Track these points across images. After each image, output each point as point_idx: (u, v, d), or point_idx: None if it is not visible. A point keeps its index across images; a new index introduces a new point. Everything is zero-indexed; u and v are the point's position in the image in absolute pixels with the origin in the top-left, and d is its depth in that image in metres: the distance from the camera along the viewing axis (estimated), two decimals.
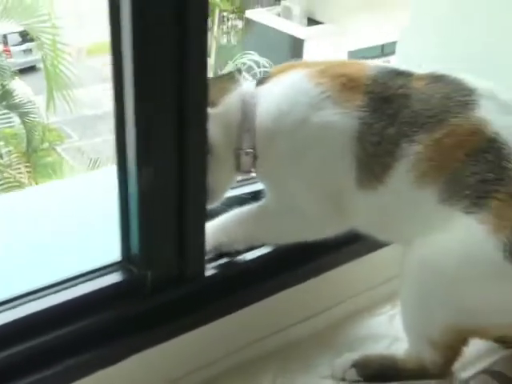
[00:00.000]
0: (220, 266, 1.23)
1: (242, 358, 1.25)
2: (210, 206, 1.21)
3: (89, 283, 1.10)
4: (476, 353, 1.29)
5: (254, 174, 1.26)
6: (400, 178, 1.11)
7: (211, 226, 1.22)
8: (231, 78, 1.21)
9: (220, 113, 1.17)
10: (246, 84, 1.21)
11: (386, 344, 1.32)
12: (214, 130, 1.15)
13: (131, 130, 1.02)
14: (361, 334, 1.35)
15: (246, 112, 1.17)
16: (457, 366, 1.23)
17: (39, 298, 1.07)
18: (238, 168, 1.21)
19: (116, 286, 1.11)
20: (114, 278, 1.12)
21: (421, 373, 1.21)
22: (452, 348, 1.19)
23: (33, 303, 1.06)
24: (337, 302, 1.39)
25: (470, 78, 1.15)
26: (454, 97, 1.12)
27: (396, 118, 1.12)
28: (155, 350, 1.13)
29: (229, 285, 1.22)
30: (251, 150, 1.18)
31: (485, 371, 1.24)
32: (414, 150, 1.10)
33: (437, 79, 1.15)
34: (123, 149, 1.05)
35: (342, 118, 1.13)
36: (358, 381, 1.23)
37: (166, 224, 1.11)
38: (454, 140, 1.09)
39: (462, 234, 1.09)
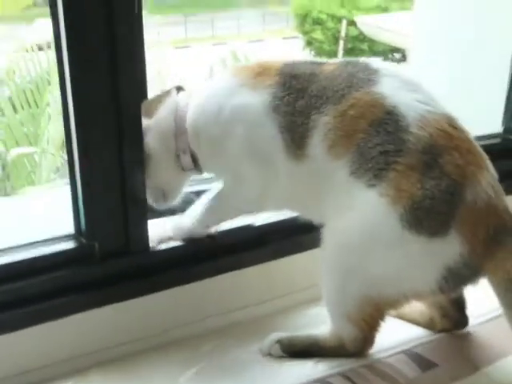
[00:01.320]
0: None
1: (181, 334, 1.40)
2: (167, 206, 1.40)
3: (47, 247, 1.31)
4: (401, 337, 1.37)
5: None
6: (316, 148, 1.22)
7: (179, 220, 1.40)
8: (168, 93, 1.37)
9: (154, 123, 1.33)
10: (181, 95, 1.37)
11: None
12: (151, 139, 1.33)
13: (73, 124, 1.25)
14: (301, 322, 1.45)
15: (179, 119, 1.33)
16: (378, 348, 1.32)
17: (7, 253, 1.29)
18: (183, 168, 1.37)
19: (69, 252, 1.31)
20: (67, 245, 1.33)
21: (341, 351, 1.30)
22: (369, 324, 1.27)
23: (2, 257, 1.28)
24: (281, 294, 1.51)
25: (377, 62, 1.25)
26: (358, 75, 1.22)
27: (305, 92, 1.23)
28: (97, 313, 1.31)
29: (173, 260, 1.39)
30: (187, 148, 1.33)
31: (403, 351, 1.32)
32: (323, 121, 1.21)
33: (346, 63, 1.25)
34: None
35: (254, 96, 1.26)
36: (283, 356, 1.33)
37: (107, 203, 1.30)
38: (357, 111, 1.19)
39: (364, 208, 1.19)
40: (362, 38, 10.33)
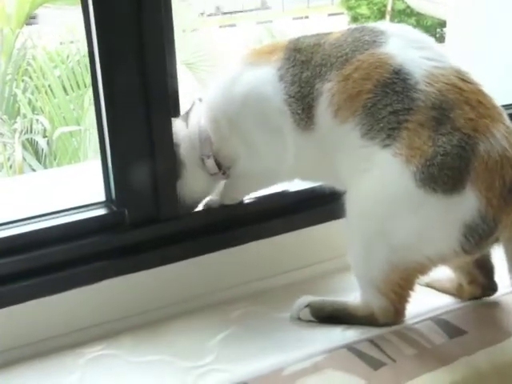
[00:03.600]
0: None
1: (211, 300, 1.42)
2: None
3: (79, 214, 1.35)
4: (429, 305, 1.36)
5: None
6: (323, 115, 1.22)
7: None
8: (192, 105, 1.40)
9: (187, 134, 1.37)
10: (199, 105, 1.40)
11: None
12: (182, 151, 1.36)
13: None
14: (332, 289, 1.45)
15: (202, 125, 1.36)
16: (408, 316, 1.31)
17: (44, 220, 1.33)
18: (210, 173, 1.39)
19: (100, 219, 1.35)
20: (98, 212, 1.36)
21: (371, 321, 1.30)
22: (398, 293, 1.26)
23: (38, 223, 1.32)
24: (313, 261, 1.51)
25: (383, 24, 1.24)
26: (363, 38, 1.22)
27: (310, 63, 1.24)
28: (127, 279, 1.34)
29: (203, 227, 1.41)
30: (210, 153, 1.36)
31: (431, 318, 1.31)
32: (327, 88, 1.21)
33: (353, 30, 1.25)
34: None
35: (260, 72, 1.28)
36: (312, 321, 1.34)
37: (137, 170, 1.32)
38: (361, 73, 1.19)
39: (380, 170, 1.19)
40: (409, 11, 10.16)
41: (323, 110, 1.22)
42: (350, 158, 1.23)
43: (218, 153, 1.37)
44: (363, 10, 10.89)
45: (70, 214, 1.35)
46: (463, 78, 1.19)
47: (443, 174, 1.14)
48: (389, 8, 10.63)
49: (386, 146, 1.17)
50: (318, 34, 1.29)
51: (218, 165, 1.38)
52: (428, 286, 1.42)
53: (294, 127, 1.26)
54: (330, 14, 10.93)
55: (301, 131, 1.25)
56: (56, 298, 1.29)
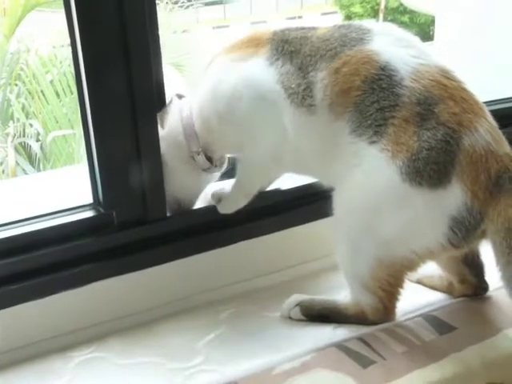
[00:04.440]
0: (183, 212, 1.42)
1: (201, 301, 1.41)
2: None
3: (66, 217, 1.35)
4: (420, 302, 1.36)
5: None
6: (320, 105, 1.22)
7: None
8: (170, 102, 1.38)
9: (165, 133, 1.35)
10: (183, 99, 1.38)
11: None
12: (165, 148, 1.35)
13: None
14: (322, 288, 1.44)
15: (185, 121, 1.35)
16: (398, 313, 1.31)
17: (32, 223, 1.33)
18: (202, 169, 1.38)
19: (87, 221, 1.34)
20: (85, 214, 1.35)
21: (361, 319, 1.30)
22: (387, 291, 1.26)
23: (25, 226, 1.31)
24: (302, 260, 1.51)
25: (369, 22, 1.25)
26: (350, 35, 1.23)
27: (299, 53, 1.24)
28: (115, 281, 1.34)
29: (191, 228, 1.40)
30: (199, 149, 1.35)
31: (421, 315, 1.31)
32: (320, 77, 1.21)
33: (339, 26, 1.26)
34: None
35: (247, 64, 1.28)
36: (302, 320, 1.34)
37: (123, 172, 1.31)
38: (350, 69, 1.19)
39: (367, 165, 1.19)
40: (402, 9, 10.17)
41: (320, 99, 1.22)
42: (339, 153, 1.23)
43: (206, 147, 1.36)
44: (356, 8, 10.90)
45: (58, 217, 1.34)
46: (447, 76, 1.20)
47: (429, 169, 1.14)
48: (382, 6, 10.65)
49: (373, 142, 1.18)
50: (303, 28, 1.29)
51: (209, 159, 1.37)
52: (418, 282, 1.42)
53: (289, 103, 1.25)
54: (323, 13, 10.93)
55: (296, 107, 1.24)
56: (44, 301, 1.29)
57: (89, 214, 1.36)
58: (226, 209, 1.40)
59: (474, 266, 1.35)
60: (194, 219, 1.42)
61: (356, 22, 1.26)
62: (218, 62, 1.34)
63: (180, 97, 1.39)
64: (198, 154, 1.36)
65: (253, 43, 1.30)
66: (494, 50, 2.03)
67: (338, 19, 10.35)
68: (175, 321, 1.37)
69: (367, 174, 1.20)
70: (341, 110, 1.21)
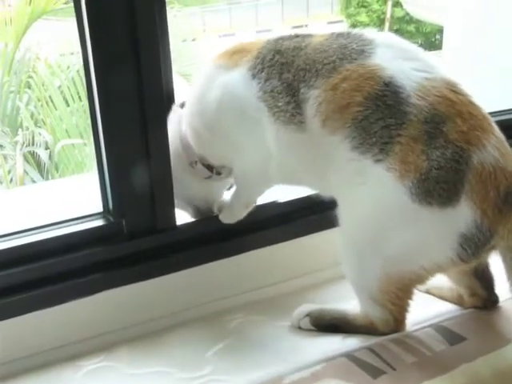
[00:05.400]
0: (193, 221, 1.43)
1: (209, 311, 1.41)
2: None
3: (76, 226, 1.35)
4: (430, 312, 1.36)
5: None
6: (311, 121, 1.19)
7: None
8: (173, 111, 1.36)
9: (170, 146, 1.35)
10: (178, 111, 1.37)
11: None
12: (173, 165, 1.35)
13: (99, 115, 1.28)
14: (331, 297, 1.44)
15: (182, 132, 1.35)
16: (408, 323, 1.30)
17: (41, 232, 1.33)
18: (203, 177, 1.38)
19: (97, 230, 1.35)
20: (95, 223, 1.36)
21: (371, 330, 1.29)
22: (396, 304, 1.26)
23: (35, 235, 1.32)
24: (310, 270, 1.51)
25: (370, 32, 1.21)
26: (350, 46, 1.18)
27: (291, 65, 1.21)
28: (125, 290, 1.34)
29: (200, 238, 1.41)
30: (196, 159, 1.35)
31: (431, 325, 1.30)
32: (313, 95, 1.18)
33: (337, 35, 1.22)
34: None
35: (231, 75, 1.26)
36: (312, 330, 1.34)
37: (133, 181, 1.31)
38: (351, 84, 1.16)
39: (374, 184, 1.17)
40: (408, 19, 10.19)
41: (311, 116, 1.20)
42: (339, 168, 1.21)
43: (203, 157, 1.36)
44: (362, 17, 10.94)
45: (68, 226, 1.35)
46: (453, 90, 1.17)
47: (438, 188, 1.13)
48: (388, 15, 10.67)
49: (378, 160, 1.15)
50: (297, 36, 1.25)
51: (209, 167, 1.37)
52: (428, 292, 1.41)
53: (273, 121, 1.23)
54: (329, 22, 10.96)
55: (282, 125, 1.22)
56: (54, 310, 1.29)
57: (98, 222, 1.36)
58: (227, 219, 1.39)
59: (484, 279, 1.34)
60: (204, 228, 1.42)
61: (356, 30, 1.22)
62: (204, 71, 1.33)
63: (182, 105, 1.38)
64: (196, 164, 1.36)
65: (241, 50, 1.28)
66: (503, 58, 2.03)
67: (343, 28, 10.37)
68: (184, 330, 1.37)
69: (374, 192, 1.18)
70: (337, 126, 1.18)
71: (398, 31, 10.57)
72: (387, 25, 10.60)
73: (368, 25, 10.65)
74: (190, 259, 1.40)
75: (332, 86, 1.17)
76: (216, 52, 1.34)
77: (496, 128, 1.19)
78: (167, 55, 1.34)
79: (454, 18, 2.37)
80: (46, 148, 4.89)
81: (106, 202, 1.36)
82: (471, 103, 1.18)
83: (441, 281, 1.37)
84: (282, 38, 1.26)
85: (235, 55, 1.29)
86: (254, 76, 1.24)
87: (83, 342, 1.32)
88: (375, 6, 10.95)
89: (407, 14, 9.96)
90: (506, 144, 1.19)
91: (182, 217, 1.42)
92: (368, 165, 1.17)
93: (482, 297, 1.35)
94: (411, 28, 10.39)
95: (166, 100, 1.34)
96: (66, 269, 1.31)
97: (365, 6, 10.97)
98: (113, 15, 1.22)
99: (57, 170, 4.82)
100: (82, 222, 1.35)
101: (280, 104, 1.21)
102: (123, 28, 1.23)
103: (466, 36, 2.23)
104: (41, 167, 4.85)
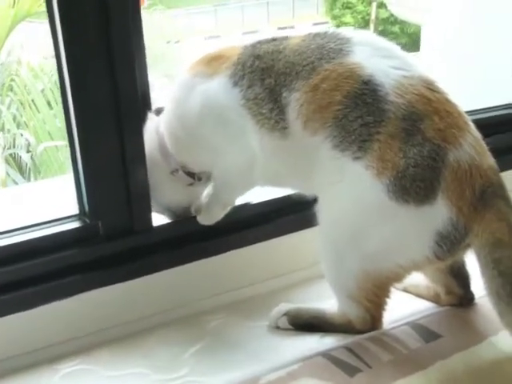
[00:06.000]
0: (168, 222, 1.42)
1: (187, 312, 1.41)
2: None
3: (52, 228, 1.34)
4: (407, 310, 1.36)
5: None
6: (293, 125, 1.20)
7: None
8: (148, 118, 1.37)
9: (146, 150, 1.34)
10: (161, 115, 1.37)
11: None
12: (148, 165, 1.35)
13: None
14: (308, 297, 1.45)
15: (161, 140, 1.35)
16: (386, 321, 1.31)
17: (17, 234, 1.32)
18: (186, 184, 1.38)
19: (73, 232, 1.34)
20: (72, 225, 1.35)
21: (349, 328, 1.30)
22: (373, 302, 1.27)
23: (11, 237, 1.31)
24: (288, 270, 1.51)
25: (347, 31, 1.22)
26: (328, 46, 1.19)
27: (272, 70, 1.21)
28: (102, 292, 1.33)
29: (177, 239, 1.40)
30: (178, 167, 1.35)
31: (407, 323, 1.31)
32: (294, 98, 1.18)
33: (314, 35, 1.22)
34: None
35: (212, 83, 1.26)
36: (290, 329, 1.34)
37: (109, 183, 1.32)
38: (330, 84, 1.16)
39: (353, 182, 1.18)
40: (392, 20, 10.23)
41: (293, 119, 1.20)
42: (321, 168, 1.21)
43: (184, 165, 1.36)
44: (347, 18, 10.97)
45: (44, 228, 1.34)
46: (431, 88, 1.18)
47: (415, 186, 1.14)
48: (373, 17, 10.71)
49: (357, 158, 1.16)
50: (275, 39, 1.25)
51: (190, 174, 1.37)
52: (405, 290, 1.42)
53: (258, 129, 1.23)
54: (314, 24, 10.98)
55: (267, 132, 1.22)
56: (30, 312, 1.28)
57: (75, 224, 1.35)
58: (205, 220, 1.39)
59: (460, 277, 1.35)
60: (181, 230, 1.42)
61: (333, 29, 1.23)
62: (181, 80, 1.32)
63: (158, 112, 1.38)
64: (178, 172, 1.36)
65: (219, 58, 1.28)
66: (479, 58, 2.04)
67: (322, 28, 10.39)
68: (162, 332, 1.37)
69: (353, 190, 1.19)
70: (318, 126, 1.18)
71: (382, 32, 10.61)
72: (372, 26, 10.63)
73: (353, 26, 10.70)
74: (167, 261, 1.40)
75: (312, 87, 1.18)
76: (191, 60, 1.34)
77: (472, 126, 1.20)
78: (143, 60, 1.34)
79: (433, 18, 2.39)
80: (28, 151, 4.87)
81: (81, 204, 1.35)
82: (448, 101, 1.19)
83: (418, 279, 1.38)
84: (260, 42, 1.26)
85: (213, 62, 1.29)
86: (235, 83, 1.24)
87: (61, 345, 1.31)
88: (360, 8, 10.99)
89: (392, 15, 9.99)
90: (482, 142, 1.20)
91: (159, 218, 1.42)
92: (347, 162, 1.17)
93: (458, 295, 1.36)
94: (396, 29, 10.42)
95: (141, 103, 1.34)
96: (43, 271, 1.30)
97: (350, 8, 11.01)
98: (86, 17, 1.21)
99: (39, 172, 4.80)
100: (58, 224, 1.35)
101: (264, 111, 1.22)
102: (96, 30, 1.23)
103: (444, 35, 2.24)
104: (23, 169, 4.83)
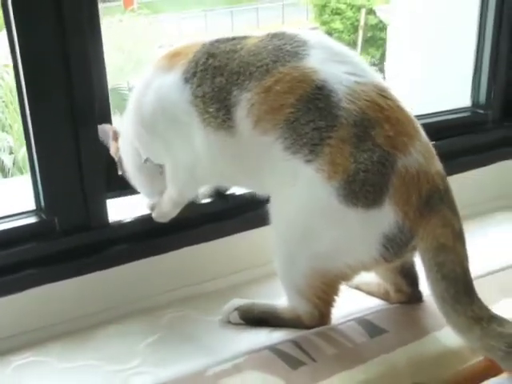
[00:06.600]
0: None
1: (142, 307, 1.44)
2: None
3: (9, 222, 1.38)
4: (357, 307, 1.40)
5: None
6: (241, 123, 1.21)
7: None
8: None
9: (121, 143, 1.40)
10: None
11: None
12: (125, 159, 1.40)
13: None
14: (263, 294, 1.47)
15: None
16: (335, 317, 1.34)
17: None
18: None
19: (30, 227, 1.37)
20: (28, 220, 1.38)
21: (298, 323, 1.33)
22: (321, 298, 1.30)
23: None
24: (244, 267, 1.55)
25: (304, 33, 1.23)
26: (284, 48, 1.19)
27: (224, 69, 1.22)
28: (57, 286, 1.37)
29: (133, 235, 1.44)
30: (145, 158, 1.38)
31: (355, 319, 1.34)
32: (245, 97, 1.20)
33: (272, 36, 1.23)
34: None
35: (167, 77, 1.29)
36: (241, 324, 1.37)
37: (64, 179, 1.36)
38: (283, 87, 1.17)
39: (304, 184, 1.20)
40: (381, 26, 10.29)
41: (242, 117, 1.22)
42: (272, 168, 1.23)
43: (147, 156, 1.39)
44: (337, 24, 11.01)
45: (0, 223, 1.36)
46: (383, 95, 1.20)
47: (364, 190, 1.16)
48: (362, 23, 10.76)
49: (308, 161, 1.18)
50: (234, 38, 1.26)
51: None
52: (357, 288, 1.45)
53: (203, 127, 1.25)
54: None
55: (212, 130, 1.24)
56: None
57: (31, 220, 1.38)
58: (159, 217, 1.42)
59: (409, 276, 1.38)
60: (137, 226, 1.45)
61: (290, 31, 1.23)
62: (145, 72, 1.35)
63: None
64: (145, 163, 1.39)
65: (179, 53, 1.30)
66: (439, 60, 2.08)
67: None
68: (117, 325, 1.40)
69: (303, 192, 1.21)
70: (269, 127, 1.20)
71: (371, 37, 10.67)
72: (361, 32, 10.69)
73: (342, 32, 10.74)
74: (122, 256, 1.43)
75: (265, 88, 1.19)
76: (160, 54, 1.36)
77: (422, 133, 1.23)
78: (101, 62, 1.37)
79: (399, 18, 2.42)
80: (11, 153, 4.89)
81: (38, 199, 1.38)
82: (399, 108, 1.21)
83: (369, 277, 1.41)
84: (219, 41, 1.28)
85: (174, 58, 1.31)
86: (186, 80, 1.26)
87: (14, 338, 1.33)
88: (349, 14, 11.05)
89: (380, 21, 10.06)
90: (431, 149, 1.23)
91: (115, 214, 1.44)
92: (299, 164, 1.19)
93: (407, 293, 1.39)
94: (384, 35, 10.48)
95: (100, 106, 1.38)
96: None
97: (339, 14, 11.05)
98: (42, 27, 1.26)
99: (22, 174, 4.82)
100: (15, 219, 1.37)
101: (211, 110, 1.24)
102: (52, 40, 1.27)
103: (408, 37, 2.28)
104: (5, 172, 4.84)
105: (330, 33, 10.65)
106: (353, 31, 10.85)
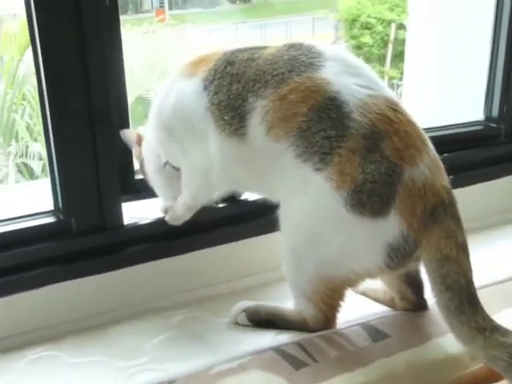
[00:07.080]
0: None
1: (152, 307, 1.48)
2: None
3: (28, 222, 1.43)
4: (362, 313, 1.43)
5: None
6: (255, 130, 1.25)
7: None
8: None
9: (144, 145, 1.46)
10: None
11: None
12: (146, 160, 1.46)
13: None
14: (271, 298, 1.50)
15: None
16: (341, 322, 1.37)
17: None
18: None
19: (48, 227, 1.43)
20: (46, 220, 1.44)
21: (303, 327, 1.36)
22: (327, 303, 1.33)
23: None
24: (253, 272, 1.58)
25: (321, 45, 1.27)
26: (300, 58, 1.23)
27: (242, 76, 1.26)
28: (71, 284, 1.42)
29: (146, 237, 1.49)
30: (164, 161, 1.43)
31: (359, 324, 1.37)
32: (260, 104, 1.23)
33: (289, 46, 1.26)
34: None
35: (188, 83, 1.34)
36: (248, 325, 1.41)
37: (82, 181, 1.41)
38: (297, 96, 1.21)
39: (313, 192, 1.23)
40: None
41: (256, 124, 1.25)
42: (283, 175, 1.27)
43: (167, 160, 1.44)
44: (366, 39, 11.00)
45: (20, 222, 1.42)
46: (393, 108, 1.23)
47: (371, 200, 1.19)
48: (391, 37, 10.74)
49: (318, 169, 1.21)
50: (252, 48, 1.31)
51: (177, 168, 1.44)
52: (363, 294, 1.48)
53: (218, 133, 1.29)
54: (333, 42, 11.04)
55: (226, 137, 1.28)
56: (3, 300, 1.36)
57: (49, 220, 1.43)
58: (172, 220, 1.47)
59: (414, 285, 1.41)
60: (151, 228, 1.49)
61: (308, 42, 1.27)
62: (171, 76, 1.41)
63: None
64: (164, 166, 1.44)
65: (201, 60, 1.35)
66: (454, 75, 2.10)
67: (347, 48, 10.48)
68: (128, 324, 1.44)
69: (312, 199, 1.24)
70: (282, 134, 1.23)
71: (401, 52, 10.60)
72: (390, 46, 10.67)
73: (372, 46, 10.73)
74: (136, 257, 1.47)
75: (280, 96, 1.23)
76: (184, 61, 1.41)
77: (430, 146, 1.25)
78: (120, 68, 1.43)
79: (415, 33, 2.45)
80: (40, 159, 4.98)
81: (56, 201, 1.43)
82: (409, 122, 1.24)
83: (376, 284, 1.45)
84: (239, 50, 1.33)
85: (197, 65, 1.36)
86: (205, 87, 1.31)
87: (29, 333, 1.38)
88: (379, 28, 11.03)
89: None
90: (438, 162, 1.26)
91: (130, 217, 1.49)
92: (308, 172, 1.23)
93: (412, 301, 1.42)
94: None
95: (118, 112, 1.44)
96: (17, 262, 1.38)
97: (369, 28, 11.05)
98: (64, 34, 1.32)
99: None
100: (34, 219, 1.43)
101: (226, 118, 1.28)
102: (72, 48, 1.33)
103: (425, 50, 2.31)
104: (34, 177, 4.94)
105: (359, 47, 10.66)
106: (382, 45, 10.83)
